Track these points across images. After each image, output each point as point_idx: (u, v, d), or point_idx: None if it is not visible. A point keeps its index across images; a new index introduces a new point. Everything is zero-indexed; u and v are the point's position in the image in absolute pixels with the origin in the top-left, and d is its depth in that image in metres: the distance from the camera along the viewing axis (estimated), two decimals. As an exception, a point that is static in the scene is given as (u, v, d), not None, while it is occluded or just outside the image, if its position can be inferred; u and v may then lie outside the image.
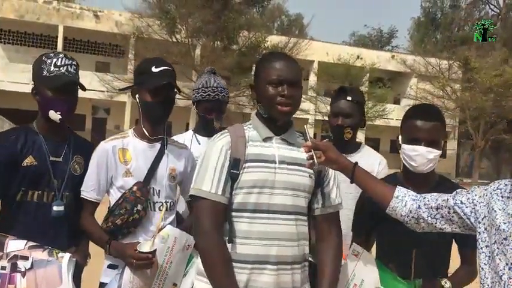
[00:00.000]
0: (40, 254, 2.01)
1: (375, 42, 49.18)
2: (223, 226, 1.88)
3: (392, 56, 32.97)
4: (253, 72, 2.03)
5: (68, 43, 27.23)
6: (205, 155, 1.94)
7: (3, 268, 1.99)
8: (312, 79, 29.77)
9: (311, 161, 1.87)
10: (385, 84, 29.74)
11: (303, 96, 19.76)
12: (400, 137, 2.20)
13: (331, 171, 2.05)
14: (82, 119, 27.61)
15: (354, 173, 1.92)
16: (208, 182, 1.88)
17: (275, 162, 1.91)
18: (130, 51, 25.51)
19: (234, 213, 1.89)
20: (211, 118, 2.85)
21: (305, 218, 1.99)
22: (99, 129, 26.57)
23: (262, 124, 1.98)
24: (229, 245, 1.86)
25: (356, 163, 1.95)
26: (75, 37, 27.62)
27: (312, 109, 27.60)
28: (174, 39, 24.16)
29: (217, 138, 1.96)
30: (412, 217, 1.85)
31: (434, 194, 1.86)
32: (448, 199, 1.79)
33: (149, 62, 2.33)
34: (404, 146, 2.14)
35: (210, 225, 1.83)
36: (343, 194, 2.61)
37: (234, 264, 1.85)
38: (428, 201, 1.83)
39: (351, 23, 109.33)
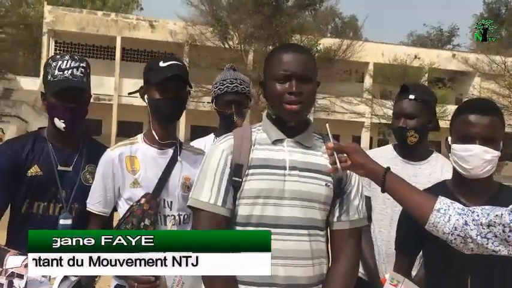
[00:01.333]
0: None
1: (434, 42, 47.31)
2: None
3: (453, 55, 31.53)
4: None
5: (125, 53, 28.18)
6: (205, 161, 1.72)
7: (1, 285, 1.86)
8: (368, 81, 28.98)
9: (334, 166, 1.58)
10: (446, 85, 28.44)
11: (358, 99, 19.30)
12: (449, 138, 1.83)
13: (354, 179, 1.75)
14: (140, 126, 28.15)
15: (385, 179, 1.60)
16: (207, 192, 1.65)
17: (285, 168, 1.65)
18: (184, 58, 25.93)
19: (238, 228, 1.65)
20: (230, 113, 2.58)
21: (322, 233, 1.71)
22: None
23: (273, 125, 1.73)
24: None
25: (388, 168, 1.63)
26: (132, 47, 28.46)
27: (368, 112, 26.85)
28: (227, 46, 24.31)
29: (219, 142, 1.73)
30: (458, 235, 1.51)
31: (487, 207, 1.51)
32: (502, 214, 1.44)
33: (157, 58, 2.14)
34: (456, 146, 1.76)
35: None
36: (395, 206, 2.24)
37: (240, 286, 1.61)
38: (478, 216, 1.49)
39: (408, 23, 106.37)
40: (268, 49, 24.26)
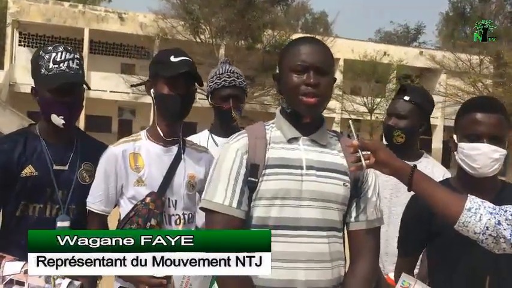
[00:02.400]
0: (37, 280, 1.76)
1: (401, 39, 48.16)
2: None
3: (421, 52, 32.18)
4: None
5: (93, 46, 27.56)
6: (219, 160, 1.65)
7: (-1, 294, 1.75)
8: (338, 77, 29.18)
9: (358, 163, 1.54)
10: (413, 81, 28.98)
11: (329, 94, 19.83)
12: (454, 136, 1.82)
13: (370, 179, 1.70)
14: (108, 121, 27.83)
15: (412, 178, 1.56)
16: (221, 193, 1.58)
17: (302, 168, 1.60)
18: (155, 52, 25.53)
19: (253, 230, 1.58)
20: (228, 108, 2.50)
21: (340, 234, 1.66)
22: (126, 131, 26.68)
23: (287, 122, 1.67)
24: None
25: (415, 166, 1.59)
26: (101, 39, 27.87)
27: (338, 108, 27.13)
28: (198, 40, 24.09)
29: (232, 140, 1.66)
30: (490, 235, 1.48)
31: None
32: None
33: (168, 51, 2.05)
34: (463, 145, 1.75)
35: None
36: (403, 205, 2.24)
37: None
38: None
39: (376, 20, 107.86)
40: (240, 43, 24.20)
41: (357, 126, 25.37)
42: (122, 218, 1.99)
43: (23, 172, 1.94)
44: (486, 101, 1.87)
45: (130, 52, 28.51)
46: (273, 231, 1.54)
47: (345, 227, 1.70)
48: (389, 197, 2.42)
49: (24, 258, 1.83)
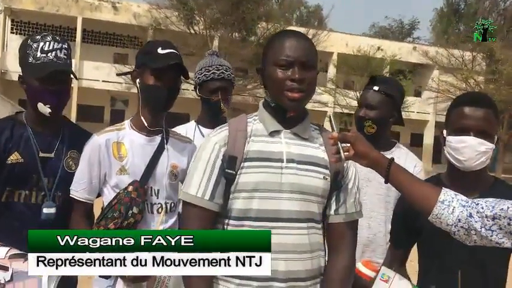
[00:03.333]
0: (20, 265, 1.77)
1: (395, 34, 48.19)
2: None
3: (414, 48, 32.23)
4: None
5: (86, 35, 27.37)
6: (197, 153, 1.69)
7: (-18, 278, 1.77)
8: (331, 71, 29.27)
9: (337, 155, 1.57)
10: (406, 77, 29.07)
11: (322, 88, 19.45)
12: (444, 131, 1.86)
13: (350, 172, 1.73)
14: (101, 110, 27.70)
15: (389, 170, 1.59)
16: (195, 185, 1.62)
17: (282, 161, 1.62)
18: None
19: (233, 222, 1.62)
20: (217, 100, 2.53)
21: (319, 225, 1.69)
22: (118, 121, 26.28)
23: (270, 115, 1.69)
24: None
25: (392, 159, 1.63)
26: (94, 29, 27.67)
27: (331, 102, 27.15)
28: (192, 31, 23.97)
29: (212, 133, 1.69)
30: (461, 227, 1.52)
31: (490, 199, 1.53)
32: (508, 208, 1.46)
33: (155, 43, 2.07)
34: (450, 138, 1.78)
35: None
36: (373, 195, 2.29)
37: (239, 281, 1.58)
38: (483, 208, 1.50)
39: (371, 15, 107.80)
40: (234, 35, 24.12)
41: (349, 120, 25.39)
42: (104, 206, 2.02)
43: (9, 159, 1.97)
44: (475, 96, 1.90)
45: (123, 42, 28.29)
46: (254, 223, 1.59)
47: (325, 219, 1.73)
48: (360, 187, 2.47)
49: (9, 244, 1.87)
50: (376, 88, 2.44)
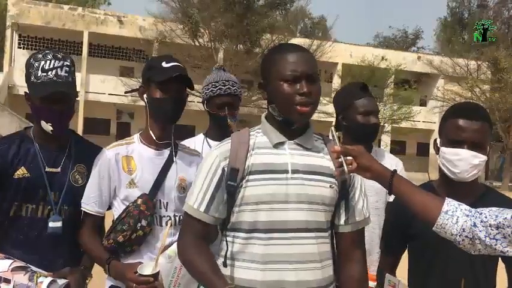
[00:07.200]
0: (21, 278, 1.81)
1: (399, 44, 48.28)
2: (207, 243, 1.70)
3: (419, 57, 32.27)
4: None
5: (92, 49, 27.66)
6: (200, 166, 1.72)
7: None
8: (336, 81, 29.31)
9: (340, 169, 1.59)
10: (411, 86, 29.09)
11: (327, 98, 19.49)
12: (438, 140, 1.89)
13: (357, 180, 1.74)
14: (107, 123, 27.87)
15: (392, 182, 1.61)
16: (194, 197, 1.66)
17: (287, 172, 1.63)
18: (154, 55, 25.58)
19: (242, 234, 1.63)
20: (224, 115, 2.55)
21: (327, 234, 1.70)
22: (124, 134, 26.72)
23: (274, 128, 1.70)
24: (241, 271, 1.61)
25: (395, 170, 1.65)
26: (100, 42, 27.95)
27: (336, 112, 27.15)
28: (197, 43, 24.16)
29: (215, 147, 1.72)
30: (466, 237, 1.53)
31: (494, 209, 1.54)
32: None
33: (159, 58, 2.11)
34: (445, 149, 1.81)
35: (190, 242, 1.65)
36: (371, 203, 2.31)
37: None
38: (486, 217, 1.51)
39: (374, 25, 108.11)
40: (238, 47, 24.26)
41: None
42: (115, 219, 2.04)
43: (16, 173, 1.99)
44: (470, 108, 1.92)
45: (129, 55, 28.55)
46: (263, 235, 1.60)
47: (333, 228, 1.75)
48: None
49: (16, 257, 1.90)
50: (369, 94, 2.50)
